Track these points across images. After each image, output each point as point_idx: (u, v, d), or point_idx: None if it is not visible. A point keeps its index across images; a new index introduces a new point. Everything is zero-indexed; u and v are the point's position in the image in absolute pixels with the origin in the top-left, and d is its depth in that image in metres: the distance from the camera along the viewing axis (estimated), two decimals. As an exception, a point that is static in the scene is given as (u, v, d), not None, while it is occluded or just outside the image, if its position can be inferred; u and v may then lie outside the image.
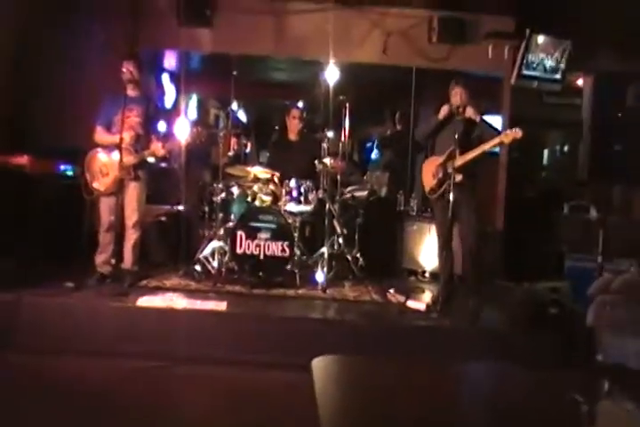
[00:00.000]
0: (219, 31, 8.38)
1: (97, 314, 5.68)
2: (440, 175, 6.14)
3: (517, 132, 5.72)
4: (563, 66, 8.42)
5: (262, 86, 11.55)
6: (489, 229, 8.20)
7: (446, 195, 5.92)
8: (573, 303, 5.73)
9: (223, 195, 7.18)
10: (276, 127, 8.72)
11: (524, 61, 8.25)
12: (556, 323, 5.57)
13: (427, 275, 7.93)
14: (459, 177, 5.94)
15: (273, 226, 6.73)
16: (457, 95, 6.14)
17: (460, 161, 5.94)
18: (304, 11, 8.46)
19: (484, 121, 6.16)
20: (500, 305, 6.34)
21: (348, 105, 7.50)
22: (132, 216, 6.43)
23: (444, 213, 6.05)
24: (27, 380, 4.80)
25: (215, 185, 7.20)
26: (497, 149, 8.21)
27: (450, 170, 5.95)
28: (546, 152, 11.46)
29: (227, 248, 6.82)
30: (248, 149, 9.72)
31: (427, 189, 6.38)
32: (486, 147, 5.93)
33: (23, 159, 6.72)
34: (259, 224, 6.72)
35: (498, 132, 6.06)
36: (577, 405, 2.48)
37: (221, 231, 7.06)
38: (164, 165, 8.43)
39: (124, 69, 6.32)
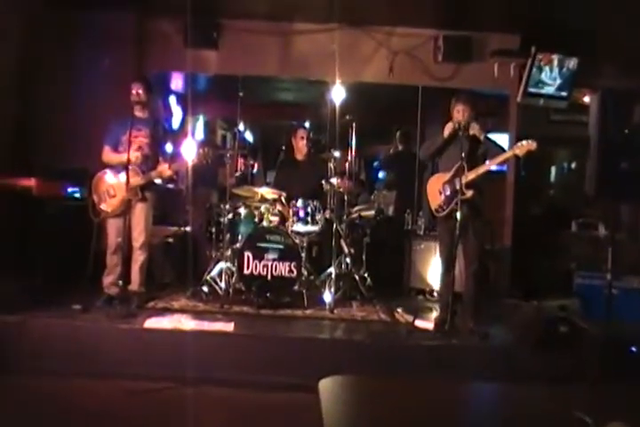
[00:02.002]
0: (225, 53, 8.43)
1: (104, 336, 5.67)
2: (448, 192, 6.05)
3: (532, 144, 5.64)
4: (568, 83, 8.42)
5: (269, 107, 11.58)
6: (497, 247, 8.18)
7: (454, 213, 5.81)
8: (583, 321, 5.69)
9: (230, 215, 7.20)
10: (283, 147, 8.73)
11: (530, 79, 8.26)
12: (565, 341, 5.53)
13: (434, 294, 7.86)
14: (469, 193, 5.84)
15: (280, 246, 6.72)
16: (460, 112, 6.06)
17: (471, 175, 5.84)
18: (310, 31, 8.50)
19: (488, 139, 6.11)
20: (508, 323, 6.31)
21: (354, 124, 7.50)
22: (139, 237, 6.43)
23: (450, 232, 5.96)
24: (34, 401, 4.79)
25: (222, 206, 7.21)
26: (504, 167, 8.21)
27: (458, 186, 5.83)
28: (553, 169, 11.45)
29: (234, 269, 6.82)
30: (255, 170, 9.77)
31: (433, 207, 6.25)
32: (499, 160, 5.86)
33: (30, 182, 6.74)
34: (266, 245, 6.72)
35: (503, 150, 6.03)
36: (585, 425, 2.46)
37: (229, 252, 7.06)
38: (171, 186, 8.46)
39: (133, 91, 6.36)
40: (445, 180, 6.11)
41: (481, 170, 5.86)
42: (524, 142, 5.71)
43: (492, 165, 5.89)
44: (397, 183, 9.68)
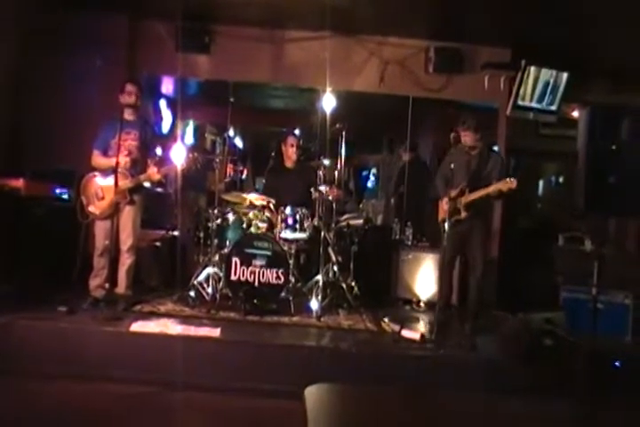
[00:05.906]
0: (216, 58, 8.45)
1: (90, 338, 5.64)
2: (451, 209, 6.43)
3: (512, 182, 5.93)
4: (558, 97, 8.47)
5: (259, 113, 11.58)
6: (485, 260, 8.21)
7: (458, 226, 6.29)
8: (568, 335, 5.72)
9: (218, 221, 7.17)
10: (273, 154, 8.72)
11: (520, 92, 8.30)
12: (550, 354, 5.55)
13: (421, 304, 7.88)
14: (464, 214, 6.29)
15: (268, 253, 6.71)
16: (469, 136, 6.47)
17: (472, 197, 6.25)
18: (302, 39, 8.53)
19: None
20: (495, 335, 6.33)
21: (344, 133, 7.51)
22: (126, 241, 6.42)
23: (454, 241, 6.34)
24: (18, 403, 4.76)
25: (211, 211, 7.19)
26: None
27: (459, 206, 6.32)
28: (541, 183, 11.49)
29: (221, 274, 6.80)
30: (244, 176, 9.75)
31: (440, 218, 6.64)
32: (489, 190, 6.11)
33: (18, 182, 6.72)
34: (254, 251, 6.71)
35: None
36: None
37: (216, 257, 7.04)
38: (159, 189, 8.44)
39: (126, 92, 6.34)
40: (450, 197, 6.49)
41: (472, 197, 6.26)
42: (507, 180, 6.00)
43: (482, 194, 6.17)
44: (389, 192, 9.71)
